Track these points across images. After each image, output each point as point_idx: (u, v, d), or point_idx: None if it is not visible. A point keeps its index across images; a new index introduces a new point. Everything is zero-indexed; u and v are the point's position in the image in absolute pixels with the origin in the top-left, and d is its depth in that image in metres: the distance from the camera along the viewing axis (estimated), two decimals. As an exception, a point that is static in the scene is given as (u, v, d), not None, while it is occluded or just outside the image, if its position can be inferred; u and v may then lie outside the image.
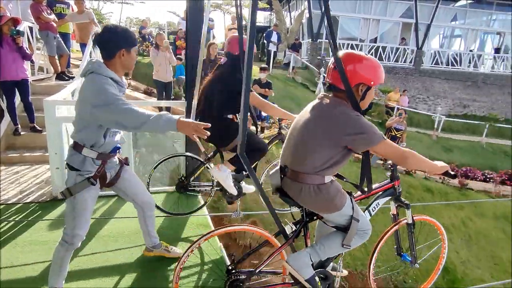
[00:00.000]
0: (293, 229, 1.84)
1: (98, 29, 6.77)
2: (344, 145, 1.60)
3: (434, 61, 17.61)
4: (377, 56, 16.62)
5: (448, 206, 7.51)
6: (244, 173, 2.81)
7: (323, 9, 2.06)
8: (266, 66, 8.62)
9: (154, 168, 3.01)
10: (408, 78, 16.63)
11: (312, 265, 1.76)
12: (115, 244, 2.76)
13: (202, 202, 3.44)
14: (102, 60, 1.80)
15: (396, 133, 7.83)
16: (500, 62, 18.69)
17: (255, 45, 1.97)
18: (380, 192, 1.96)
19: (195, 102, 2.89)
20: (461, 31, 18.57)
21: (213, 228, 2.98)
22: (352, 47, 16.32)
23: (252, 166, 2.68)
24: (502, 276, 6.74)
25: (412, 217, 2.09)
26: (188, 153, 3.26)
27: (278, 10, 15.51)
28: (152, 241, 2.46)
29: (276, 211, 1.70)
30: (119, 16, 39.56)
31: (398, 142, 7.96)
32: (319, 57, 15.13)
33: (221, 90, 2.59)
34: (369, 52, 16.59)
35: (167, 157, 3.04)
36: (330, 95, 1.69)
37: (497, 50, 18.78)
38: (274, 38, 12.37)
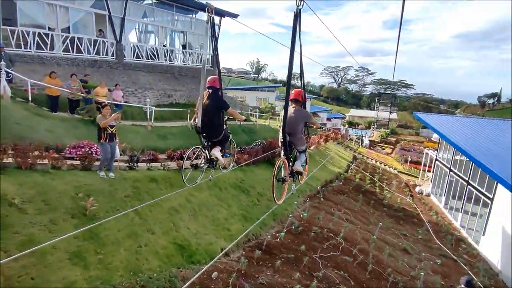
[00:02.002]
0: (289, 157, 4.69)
1: None
2: (306, 121, 4.82)
3: (135, 55, 18.23)
4: (75, 49, 15.03)
5: (172, 189, 7.97)
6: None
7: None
8: None
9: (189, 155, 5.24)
10: (113, 72, 16.29)
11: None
12: None
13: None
14: None
15: (111, 129, 7.26)
16: (188, 56, 22.21)
17: None
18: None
19: (199, 114, 4.62)
20: (153, 28, 20.24)
21: None
22: (40, 36, 13.76)
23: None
24: (222, 232, 8.07)
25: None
26: (199, 146, 4.97)
27: None
28: None
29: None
30: None
31: (114, 138, 7.45)
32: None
33: (215, 109, 4.77)
34: (63, 43, 14.68)
35: (193, 148, 5.09)
36: (294, 105, 4.74)
37: (184, 46, 22.11)
38: None
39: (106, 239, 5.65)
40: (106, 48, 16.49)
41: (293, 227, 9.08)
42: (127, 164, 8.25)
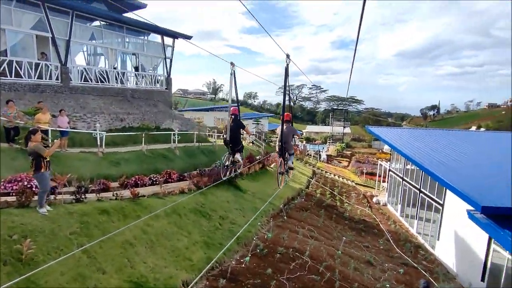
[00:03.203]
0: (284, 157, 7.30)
1: None
2: (293, 134, 7.57)
3: (83, 78, 17.26)
4: (13, 73, 13.86)
5: (126, 221, 7.36)
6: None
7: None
8: None
9: (223, 160, 7.88)
10: (58, 96, 15.21)
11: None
12: None
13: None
14: None
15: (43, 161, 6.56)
16: (141, 78, 21.52)
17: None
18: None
19: (227, 132, 7.16)
20: (102, 50, 19.42)
21: None
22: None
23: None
24: (182, 263, 7.54)
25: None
26: (227, 153, 7.59)
27: None
28: None
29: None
30: None
31: (50, 166, 6.74)
32: None
33: (237, 129, 7.42)
34: (0, 67, 13.47)
35: (225, 154, 7.71)
36: (287, 124, 7.08)
37: (136, 69, 21.43)
38: None
39: (46, 286, 4.94)
40: (49, 71, 15.41)
41: (258, 250, 8.77)
42: (73, 196, 7.50)
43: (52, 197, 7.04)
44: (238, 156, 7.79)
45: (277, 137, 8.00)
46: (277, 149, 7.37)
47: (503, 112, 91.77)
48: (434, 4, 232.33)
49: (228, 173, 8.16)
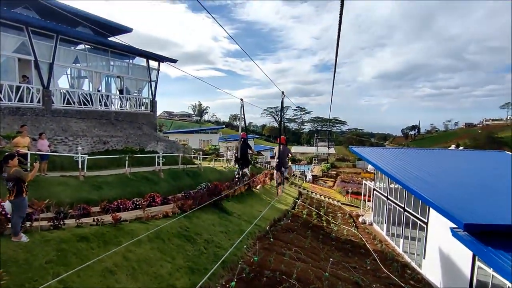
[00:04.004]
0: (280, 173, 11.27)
1: None
2: (288, 153, 11.55)
3: (66, 101, 17.05)
4: (-8, 96, 13.58)
5: (106, 247, 7.10)
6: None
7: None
8: None
9: (236, 174, 13.22)
10: (39, 119, 14.91)
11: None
12: None
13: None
14: None
15: (24, 185, 6.36)
16: (126, 101, 21.41)
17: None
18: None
19: (239, 151, 11.56)
20: (86, 73, 19.34)
21: None
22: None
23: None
24: (167, 290, 7.26)
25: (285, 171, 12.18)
26: (238, 168, 12.77)
27: None
28: None
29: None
30: None
31: (27, 190, 6.51)
32: None
33: (246, 149, 11.59)
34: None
35: (238, 169, 12.69)
36: (282, 144, 10.84)
37: (121, 91, 21.35)
38: None
39: (19, 320, 4.66)
40: (31, 94, 15.17)
41: (244, 274, 8.56)
42: (51, 223, 7.22)
43: (28, 224, 6.75)
44: (246, 170, 11.06)
45: (274, 155, 11.61)
46: (275, 165, 9.88)
47: (479, 131, 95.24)
48: (410, 30, 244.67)
49: (239, 183, 11.39)
